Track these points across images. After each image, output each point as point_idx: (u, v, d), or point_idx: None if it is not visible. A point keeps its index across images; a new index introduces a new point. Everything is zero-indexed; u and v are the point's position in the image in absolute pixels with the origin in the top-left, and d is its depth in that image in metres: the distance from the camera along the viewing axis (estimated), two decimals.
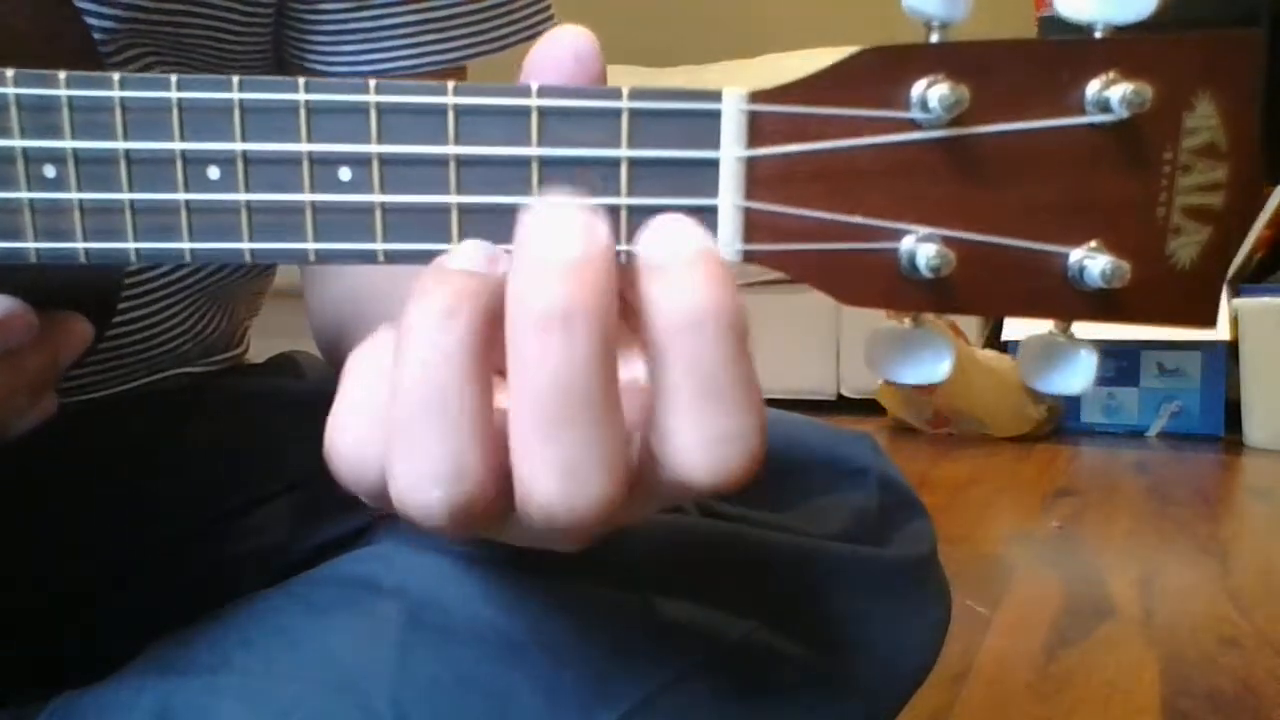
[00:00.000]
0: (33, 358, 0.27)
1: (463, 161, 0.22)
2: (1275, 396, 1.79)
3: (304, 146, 0.22)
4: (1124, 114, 0.21)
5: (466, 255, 0.21)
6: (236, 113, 0.22)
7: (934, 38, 0.21)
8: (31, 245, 0.23)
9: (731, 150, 0.22)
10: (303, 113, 0.22)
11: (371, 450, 0.21)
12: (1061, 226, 0.21)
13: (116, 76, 0.22)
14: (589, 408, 0.19)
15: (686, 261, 0.20)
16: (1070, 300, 0.22)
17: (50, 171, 0.22)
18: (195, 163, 0.22)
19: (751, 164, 0.22)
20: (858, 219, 0.22)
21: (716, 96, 0.21)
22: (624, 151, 0.22)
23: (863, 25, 2.23)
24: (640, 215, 0.22)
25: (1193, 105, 0.21)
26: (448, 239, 0.22)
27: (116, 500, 0.42)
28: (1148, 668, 0.81)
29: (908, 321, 0.23)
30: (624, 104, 0.21)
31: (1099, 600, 0.98)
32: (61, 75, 0.22)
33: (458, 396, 0.20)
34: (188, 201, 0.22)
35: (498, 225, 0.22)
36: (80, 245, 0.23)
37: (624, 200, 0.22)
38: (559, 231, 0.19)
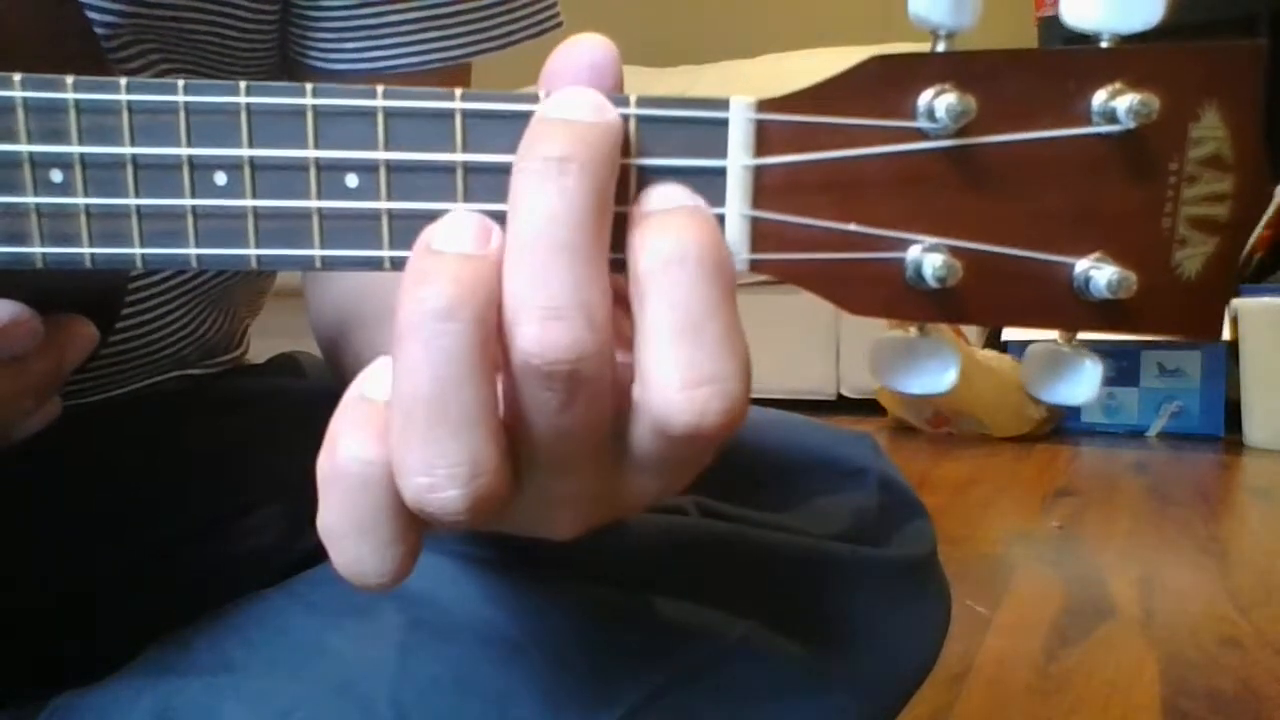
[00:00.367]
0: (38, 362, 0.27)
1: (470, 169, 0.22)
2: (1275, 396, 1.79)
3: (311, 153, 0.22)
4: (1130, 124, 0.21)
5: (459, 232, 0.21)
6: (244, 118, 0.22)
7: (940, 46, 0.21)
8: (38, 250, 0.23)
9: (739, 159, 0.22)
10: (310, 118, 0.22)
11: (400, 547, 0.21)
12: (1068, 237, 0.21)
13: (123, 81, 0.22)
14: (576, 251, 0.19)
15: (672, 210, 0.21)
16: (1076, 310, 0.22)
17: (57, 176, 0.22)
18: (202, 168, 0.22)
19: (759, 172, 0.22)
20: (864, 228, 0.22)
21: (724, 105, 0.21)
22: (632, 160, 0.22)
23: (862, 25, 2.23)
24: None
25: (1199, 116, 0.21)
26: None
27: (117, 501, 0.42)
28: (1148, 668, 0.81)
29: (913, 330, 0.23)
30: (632, 111, 0.21)
31: (1099, 600, 0.98)
32: (69, 80, 0.22)
33: (468, 394, 0.20)
34: (194, 207, 0.22)
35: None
36: (86, 250, 0.23)
37: (632, 208, 0.22)
38: (572, 102, 0.20)
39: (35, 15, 0.28)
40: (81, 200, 0.23)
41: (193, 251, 0.22)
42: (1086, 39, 0.21)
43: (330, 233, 0.22)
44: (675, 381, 0.20)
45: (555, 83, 0.21)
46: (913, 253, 0.22)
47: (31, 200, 0.23)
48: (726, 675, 0.35)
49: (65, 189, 0.22)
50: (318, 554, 0.43)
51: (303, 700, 0.32)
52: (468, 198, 0.22)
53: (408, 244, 0.22)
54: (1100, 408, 2.02)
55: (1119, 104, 0.20)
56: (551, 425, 0.21)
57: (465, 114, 0.22)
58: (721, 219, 0.22)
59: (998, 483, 1.56)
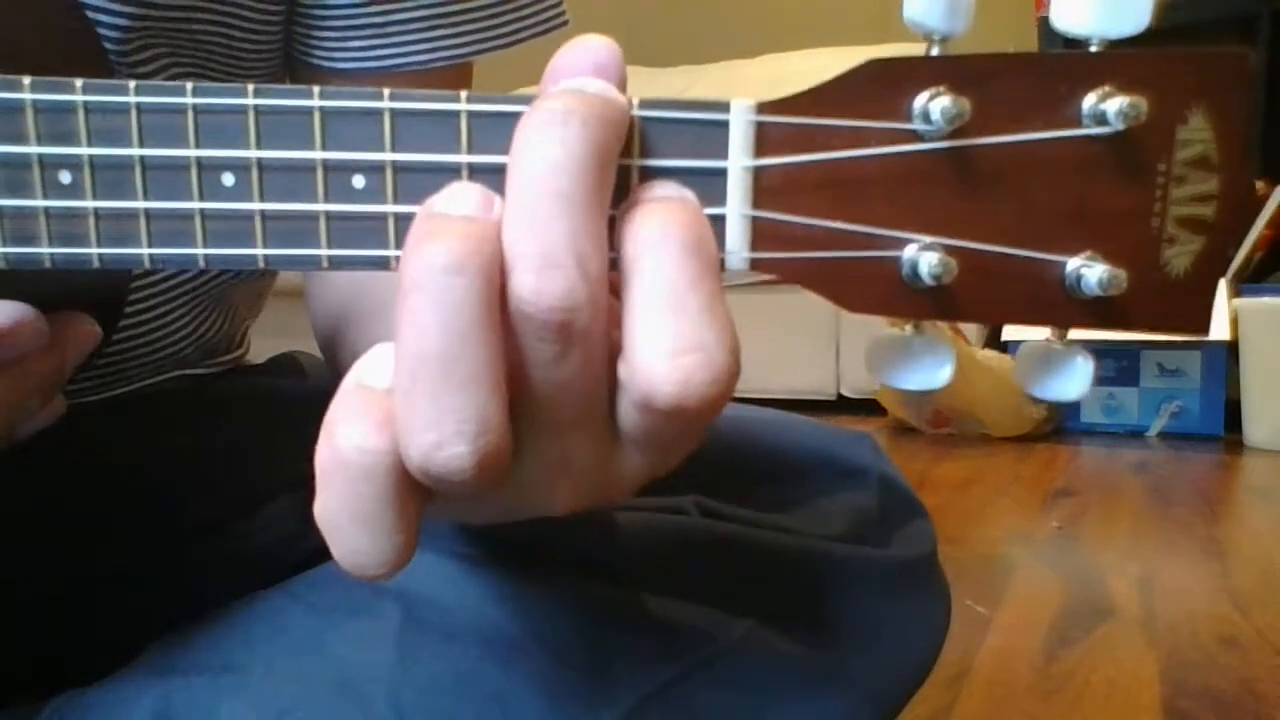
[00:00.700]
0: (42, 361, 0.27)
1: (475, 169, 0.22)
2: (1275, 396, 1.79)
3: (318, 154, 0.22)
4: (1120, 126, 0.21)
5: (461, 198, 0.21)
6: (251, 119, 0.22)
7: (934, 50, 0.22)
8: (46, 251, 0.23)
9: (739, 160, 0.22)
10: (317, 120, 0.22)
11: (402, 535, 0.22)
12: (1059, 236, 0.22)
13: (132, 84, 0.22)
14: (574, 202, 0.20)
15: (657, 199, 0.21)
16: (1068, 308, 0.22)
17: (66, 178, 0.23)
18: (210, 169, 0.22)
19: (758, 173, 0.22)
20: (862, 227, 0.22)
21: (724, 107, 0.22)
22: (634, 160, 0.22)
23: (862, 26, 2.23)
24: None
25: (1186, 119, 0.21)
26: None
27: (117, 501, 0.42)
28: (1148, 668, 0.81)
29: (909, 328, 0.23)
30: (634, 113, 0.22)
31: (1099, 600, 0.98)
32: (78, 82, 0.22)
33: (475, 348, 0.20)
34: (202, 209, 0.22)
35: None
36: (94, 251, 0.23)
37: None
38: (580, 81, 0.21)
39: (42, 23, 0.28)
40: (90, 203, 0.23)
41: (200, 251, 0.23)
42: (1079, 45, 0.22)
43: (337, 233, 0.22)
44: (659, 351, 0.20)
45: (560, 82, 0.22)
46: (909, 251, 0.22)
47: (41, 203, 0.23)
48: (726, 675, 0.36)
49: (74, 190, 0.23)
50: (321, 553, 0.43)
51: (302, 700, 0.32)
52: None
53: None
54: (1100, 408, 2.02)
55: (1109, 106, 0.21)
56: (548, 379, 0.21)
57: (471, 115, 0.22)
58: (722, 219, 0.22)
59: (998, 483, 1.56)
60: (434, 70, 0.45)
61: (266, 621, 0.36)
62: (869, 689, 0.39)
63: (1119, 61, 0.21)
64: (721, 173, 0.22)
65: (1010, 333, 1.95)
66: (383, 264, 0.23)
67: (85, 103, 0.22)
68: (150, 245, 0.23)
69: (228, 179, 0.22)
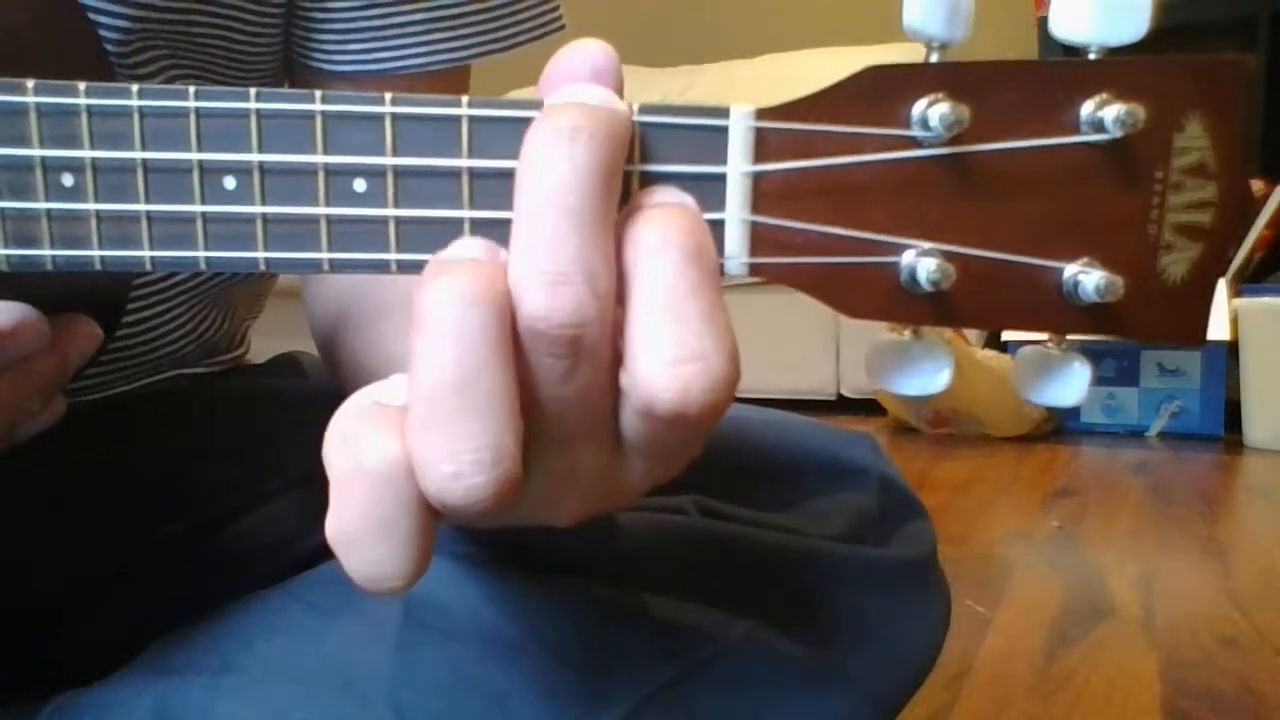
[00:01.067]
0: (43, 362, 0.27)
1: (475, 174, 0.22)
2: (1275, 396, 1.80)
3: (320, 158, 0.22)
4: (1117, 134, 0.21)
5: (468, 247, 0.21)
6: (253, 123, 0.22)
7: (933, 58, 0.22)
8: (48, 253, 0.23)
9: (738, 165, 0.22)
10: (318, 124, 0.22)
11: (417, 550, 0.22)
12: (1057, 242, 0.22)
13: (135, 87, 0.22)
14: (583, 218, 0.20)
15: (657, 205, 0.21)
16: (1065, 314, 0.22)
17: (68, 180, 0.23)
18: (212, 173, 0.22)
19: (758, 179, 0.22)
20: (860, 233, 0.22)
21: (724, 113, 0.22)
22: (634, 166, 0.22)
23: (861, 27, 2.23)
24: None
25: (1183, 126, 0.22)
26: None
27: (117, 500, 0.42)
28: (1148, 668, 0.81)
29: (907, 333, 0.23)
30: (634, 119, 0.22)
31: (1099, 600, 0.98)
32: (81, 85, 0.22)
33: (490, 378, 0.20)
34: (204, 212, 0.23)
35: (510, 238, 0.22)
36: (96, 253, 0.23)
37: None
38: (582, 91, 0.21)
39: (42, 24, 0.28)
40: (92, 205, 0.23)
41: (201, 254, 0.23)
42: (1077, 53, 0.22)
43: (338, 236, 0.23)
44: (659, 359, 0.20)
45: (557, 86, 0.22)
46: (907, 257, 0.22)
47: (43, 205, 0.23)
48: (726, 675, 0.36)
49: (76, 193, 0.23)
50: (320, 551, 0.43)
51: (302, 700, 0.32)
52: (473, 203, 0.22)
53: (414, 248, 0.22)
54: (1100, 408, 2.02)
55: (1106, 114, 0.21)
56: (558, 395, 0.21)
57: (472, 120, 0.22)
58: (721, 224, 0.22)
59: (998, 483, 1.56)
60: (432, 73, 0.45)
61: (266, 621, 0.36)
62: (869, 689, 0.39)
63: (1117, 69, 0.21)
64: (721, 178, 0.22)
65: (1010, 333, 1.95)
66: (383, 267, 0.23)
67: (88, 106, 0.22)
68: (152, 248, 0.23)
69: (229, 182, 0.22)
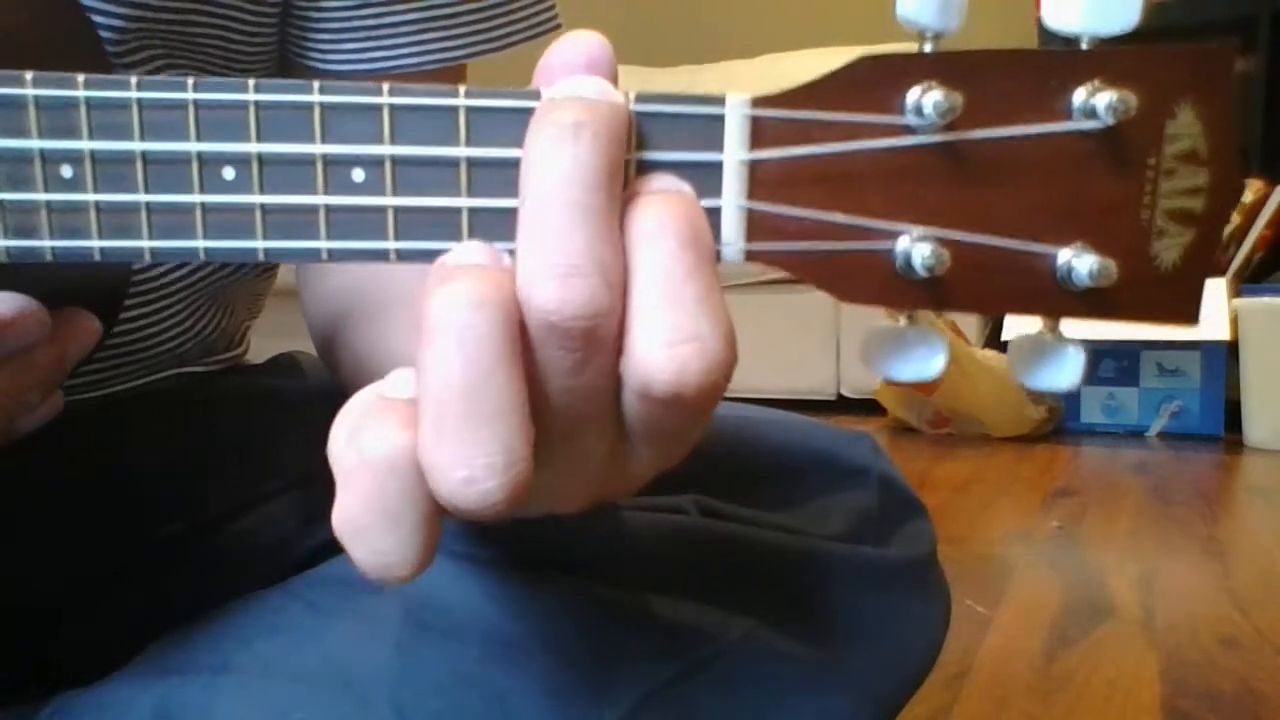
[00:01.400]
0: (43, 354, 0.28)
1: (473, 163, 0.22)
2: (1275, 396, 1.80)
3: (318, 148, 0.22)
4: (1109, 120, 0.21)
5: (471, 252, 0.21)
6: (252, 114, 0.22)
7: (927, 48, 0.22)
8: (47, 244, 0.23)
9: (735, 153, 0.22)
10: (317, 115, 0.22)
11: (423, 539, 0.22)
12: (1050, 228, 0.22)
13: (134, 79, 0.22)
14: (591, 211, 0.20)
15: (654, 192, 0.22)
16: (1060, 299, 0.23)
17: (67, 172, 0.23)
18: (211, 163, 0.22)
19: (754, 166, 0.22)
20: (855, 219, 0.22)
21: (720, 101, 0.22)
22: (631, 154, 0.22)
23: (860, 26, 2.23)
24: None
25: (1174, 113, 0.22)
26: (458, 238, 0.22)
27: (116, 499, 0.42)
28: (1148, 668, 0.81)
29: (903, 320, 0.23)
30: (630, 107, 0.22)
31: (1099, 600, 0.98)
32: (79, 77, 0.22)
33: (500, 381, 0.20)
34: (203, 202, 0.23)
35: (507, 226, 0.22)
36: (95, 244, 0.23)
37: None
38: (580, 83, 0.21)
39: (42, 23, 0.28)
40: (91, 196, 0.23)
41: (200, 244, 0.23)
42: (1070, 43, 0.22)
43: (336, 226, 0.23)
44: (656, 341, 0.20)
45: (551, 78, 0.22)
46: (902, 243, 0.22)
47: (42, 196, 0.23)
48: (726, 675, 0.36)
49: (75, 184, 0.23)
50: (320, 551, 0.43)
51: (302, 700, 0.32)
52: (471, 191, 0.22)
53: (413, 237, 0.22)
54: (1100, 408, 2.03)
55: (1098, 101, 0.21)
56: (566, 388, 0.21)
57: (469, 110, 0.22)
58: (718, 211, 0.23)
59: (998, 483, 1.56)
60: (426, 73, 0.45)
61: (266, 621, 0.36)
62: (869, 689, 0.39)
63: (1108, 57, 0.21)
64: (717, 165, 0.22)
65: (1010, 333, 1.95)
66: (382, 256, 0.23)
67: (87, 98, 0.22)
68: (151, 238, 0.23)
69: (228, 172, 0.22)
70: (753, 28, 2.87)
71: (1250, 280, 1.90)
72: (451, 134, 0.22)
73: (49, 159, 0.23)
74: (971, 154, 0.22)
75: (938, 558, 0.46)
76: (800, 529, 0.41)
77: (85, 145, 0.23)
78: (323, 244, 0.23)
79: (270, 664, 0.34)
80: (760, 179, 0.22)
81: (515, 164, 0.22)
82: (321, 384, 0.51)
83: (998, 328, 2.12)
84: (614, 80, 0.22)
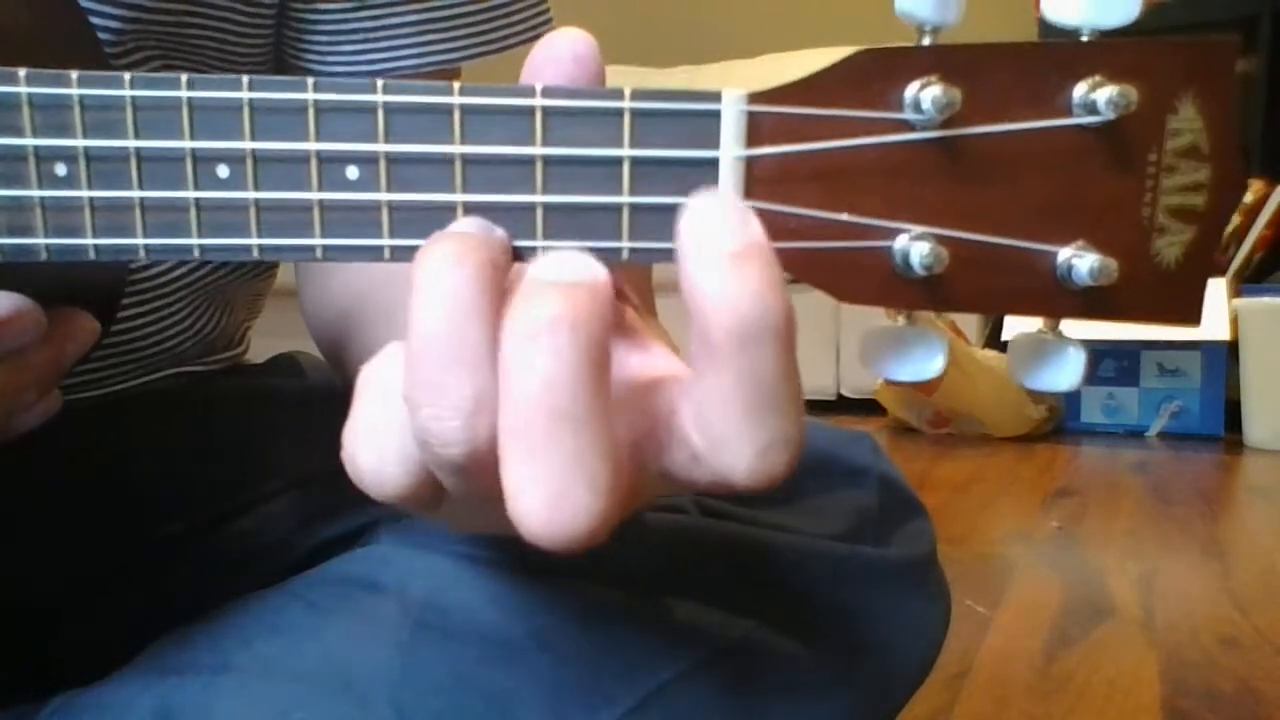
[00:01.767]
0: (39, 353, 0.28)
1: (468, 160, 0.22)
2: (1275, 396, 1.80)
3: (312, 145, 0.22)
4: (1110, 116, 0.21)
5: (464, 224, 0.22)
6: (246, 112, 0.22)
7: (926, 41, 0.22)
8: (42, 242, 0.23)
9: (731, 150, 0.22)
10: (311, 112, 0.22)
11: (397, 468, 0.22)
12: (1050, 225, 0.22)
13: (128, 76, 0.22)
14: (577, 419, 0.19)
15: (743, 261, 0.19)
16: (1060, 297, 0.22)
17: (61, 170, 0.23)
18: (205, 161, 0.22)
19: (750, 163, 0.22)
20: (853, 218, 0.22)
21: (716, 98, 0.22)
22: (626, 151, 0.22)
23: (860, 26, 2.23)
24: (642, 213, 0.22)
25: (1176, 108, 0.22)
26: None
27: (115, 499, 0.42)
28: (1148, 668, 0.81)
29: (901, 319, 0.23)
30: (626, 104, 0.22)
31: (1099, 600, 0.98)
32: (74, 75, 0.22)
33: (474, 331, 0.20)
34: (197, 199, 0.23)
35: (501, 223, 0.22)
36: (90, 242, 0.23)
37: (626, 199, 0.22)
38: (560, 261, 0.20)
39: (39, 21, 0.28)
40: (86, 193, 0.23)
41: (195, 242, 0.23)
42: (1070, 36, 0.22)
43: (331, 223, 0.23)
44: (751, 451, 0.20)
45: (540, 76, 0.22)
46: (900, 241, 0.22)
47: (36, 194, 0.23)
48: (727, 674, 0.35)
49: (70, 182, 0.23)
50: (320, 551, 0.43)
51: (302, 700, 0.32)
52: (465, 188, 0.22)
53: (408, 234, 0.22)
54: (1100, 408, 2.03)
55: (1099, 96, 0.21)
56: None
57: (463, 108, 0.22)
58: None
59: (998, 483, 1.56)
60: (423, 75, 0.45)
61: (266, 621, 0.36)
62: (869, 688, 0.39)
63: (1109, 51, 0.21)
64: (713, 163, 0.22)
65: (1010, 333, 1.95)
66: (377, 253, 0.23)
67: (81, 96, 0.22)
68: (145, 235, 0.23)
69: (222, 170, 0.22)
70: (752, 28, 2.87)
71: (1250, 280, 1.90)
72: (446, 131, 0.22)
73: (43, 157, 0.23)
74: (970, 150, 0.22)
75: (937, 558, 0.46)
76: (800, 529, 0.41)
77: (79, 143, 0.23)
78: (317, 241, 0.23)
79: (270, 664, 0.34)
80: (757, 176, 0.22)
81: (509, 160, 0.22)
82: (321, 384, 0.51)
83: (998, 328, 2.12)
84: (600, 76, 0.22)
